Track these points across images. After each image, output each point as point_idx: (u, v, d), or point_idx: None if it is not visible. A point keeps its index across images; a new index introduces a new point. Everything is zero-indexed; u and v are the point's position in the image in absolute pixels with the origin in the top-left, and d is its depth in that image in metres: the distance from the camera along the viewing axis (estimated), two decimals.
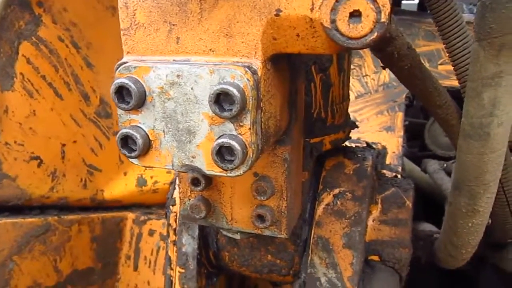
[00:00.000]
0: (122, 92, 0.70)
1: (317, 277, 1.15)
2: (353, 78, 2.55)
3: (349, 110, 2.44)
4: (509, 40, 0.78)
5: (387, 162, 2.05)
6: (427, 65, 2.56)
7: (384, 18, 0.61)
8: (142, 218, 1.88)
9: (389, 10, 0.60)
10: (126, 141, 0.73)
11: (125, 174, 1.87)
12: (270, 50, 0.69)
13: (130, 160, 0.74)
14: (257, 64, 0.68)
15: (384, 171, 1.99)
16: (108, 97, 1.78)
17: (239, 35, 0.68)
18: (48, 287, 1.50)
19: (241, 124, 0.67)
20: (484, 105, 0.84)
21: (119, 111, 0.73)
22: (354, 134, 2.27)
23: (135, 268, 1.85)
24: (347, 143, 1.47)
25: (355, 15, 0.62)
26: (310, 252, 1.15)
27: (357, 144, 1.78)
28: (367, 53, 2.66)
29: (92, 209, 1.72)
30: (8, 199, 1.39)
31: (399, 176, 1.96)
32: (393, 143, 2.13)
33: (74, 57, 1.59)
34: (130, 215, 1.87)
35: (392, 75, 2.67)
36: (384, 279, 1.16)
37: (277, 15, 0.66)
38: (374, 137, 2.18)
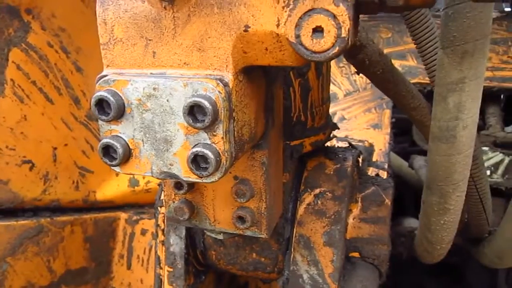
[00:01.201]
0: (102, 104, 0.74)
1: (300, 274, 1.20)
2: (342, 76, 2.59)
3: (338, 108, 2.48)
4: (470, 47, 0.82)
5: (374, 159, 2.10)
6: (415, 62, 2.60)
7: (344, 33, 0.65)
8: (135, 218, 1.92)
9: (349, 26, 0.64)
10: (108, 150, 0.77)
11: (117, 175, 1.91)
12: (241, 63, 0.73)
13: (112, 168, 0.78)
14: (229, 76, 0.71)
15: (371, 168, 2.04)
16: None
17: (211, 49, 0.72)
18: (42, 287, 1.54)
19: (214, 133, 0.71)
20: (450, 109, 0.88)
21: (100, 122, 0.77)
22: (342, 132, 2.33)
23: (129, 266, 1.90)
24: (334, 141, 1.51)
25: (318, 30, 0.66)
26: (292, 250, 1.20)
27: (341, 143, 1.82)
28: None
29: (84, 210, 1.77)
30: (0, 202, 1.42)
31: (385, 172, 2.01)
32: (380, 141, 2.17)
33: (64, 62, 1.63)
34: (123, 215, 1.92)
35: None
36: (363, 275, 1.21)
37: (245, 30, 0.69)
38: (362, 135, 2.22)
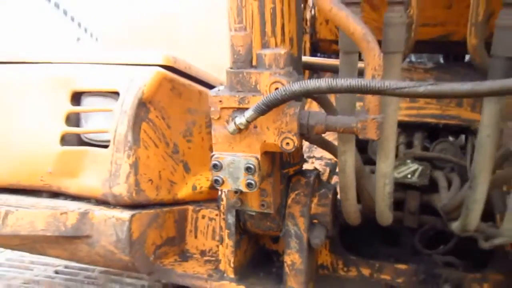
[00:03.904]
0: (215, 165, 2.14)
1: (289, 230, 2.58)
2: None
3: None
4: None
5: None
6: None
7: (297, 144, 2.04)
8: (197, 208, 3.16)
9: (297, 142, 2.03)
10: (217, 181, 2.17)
11: (186, 184, 3.26)
12: (263, 151, 2.12)
13: (218, 188, 2.19)
14: (259, 157, 2.10)
15: (335, 176, 3.43)
16: (177, 141, 3.21)
17: (253, 146, 2.11)
18: (159, 245, 2.94)
19: (254, 175, 2.10)
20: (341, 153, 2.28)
21: (212, 172, 2.17)
22: (319, 153, 3.68)
23: (195, 236, 3.14)
24: (313, 160, 2.90)
25: (288, 143, 2.06)
26: (286, 220, 2.60)
27: (317, 162, 3.21)
28: None
29: (172, 205, 3.06)
30: (142, 202, 2.75)
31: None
32: None
33: (162, 124, 3.00)
34: (190, 207, 3.05)
35: None
36: (319, 230, 2.60)
37: (264, 142, 2.08)
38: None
